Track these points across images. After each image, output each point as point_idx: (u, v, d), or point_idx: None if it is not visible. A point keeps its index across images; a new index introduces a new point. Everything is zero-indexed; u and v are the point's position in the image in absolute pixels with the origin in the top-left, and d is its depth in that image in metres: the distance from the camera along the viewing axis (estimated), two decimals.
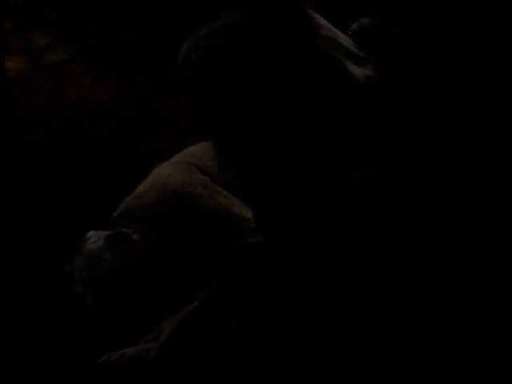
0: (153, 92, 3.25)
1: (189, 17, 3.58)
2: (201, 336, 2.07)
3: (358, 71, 1.54)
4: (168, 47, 3.45)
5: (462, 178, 1.53)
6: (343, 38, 1.57)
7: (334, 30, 1.57)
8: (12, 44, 3.58)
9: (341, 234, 1.60)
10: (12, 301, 2.32)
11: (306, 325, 1.82)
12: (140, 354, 2.01)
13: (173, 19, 3.63)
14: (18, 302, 2.31)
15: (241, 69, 1.50)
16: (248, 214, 2.13)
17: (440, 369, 1.59)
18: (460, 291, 1.56)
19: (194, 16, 3.47)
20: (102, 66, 3.42)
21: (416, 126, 1.52)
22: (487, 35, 2.78)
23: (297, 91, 1.51)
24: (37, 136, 3.02)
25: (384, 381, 1.65)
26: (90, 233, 2.24)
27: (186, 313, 2.07)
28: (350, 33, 1.62)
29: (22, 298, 2.33)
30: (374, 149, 1.53)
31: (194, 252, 2.21)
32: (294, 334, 1.90)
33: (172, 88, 3.24)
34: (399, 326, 1.60)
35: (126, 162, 2.89)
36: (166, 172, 2.25)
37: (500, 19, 2.79)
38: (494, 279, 1.56)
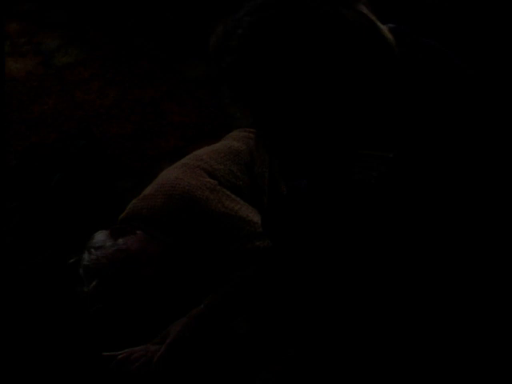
0: (160, 96, 3.26)
1: (198, 22, 3.59)
2: (207, 338, 2.08)
3: (391, 37, 1.55)
4: (177, 52, 3.47)
5: (473, 178, 1.53)
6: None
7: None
8: (21, 46, 3.60)
9: (349, 234, 1.60)
10: (17, 298, 2.33)
11: (314, 327, 1.83)
12: (147, 354, 2.02)
13: (182, 24, 3.64)
14: (24, 300, 2.32)
15: (291, 39, 1.49)
16: (255, 217, 2.13)
17: (439, 366, 1.59)
18: (462, 288, 1.57)
19: (203, 22, 3.49)
20: (110, 70, 3.43)
21: (430, 124, 1.52)
22: (487, 35, 2.79)
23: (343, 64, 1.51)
24: (45, 138, 3.03)
25: (384, 380, 1.66)
26: (98, 231, 2.27)
27: (193, 315, 2.07)
28: None
29: (28, 296, 2.34)
30: (391, 146, 1.53)
31: (200, 252, 2.22)
32: (302, 337, 1.91)
33: (180, 93, 3.26)
34: (404, 326, 1.61)
35: (133, 166, 2.90)
36: (174, 175, 2.25)
37: (500, 19, 2.80)
38: (495, 277, 1.57)
